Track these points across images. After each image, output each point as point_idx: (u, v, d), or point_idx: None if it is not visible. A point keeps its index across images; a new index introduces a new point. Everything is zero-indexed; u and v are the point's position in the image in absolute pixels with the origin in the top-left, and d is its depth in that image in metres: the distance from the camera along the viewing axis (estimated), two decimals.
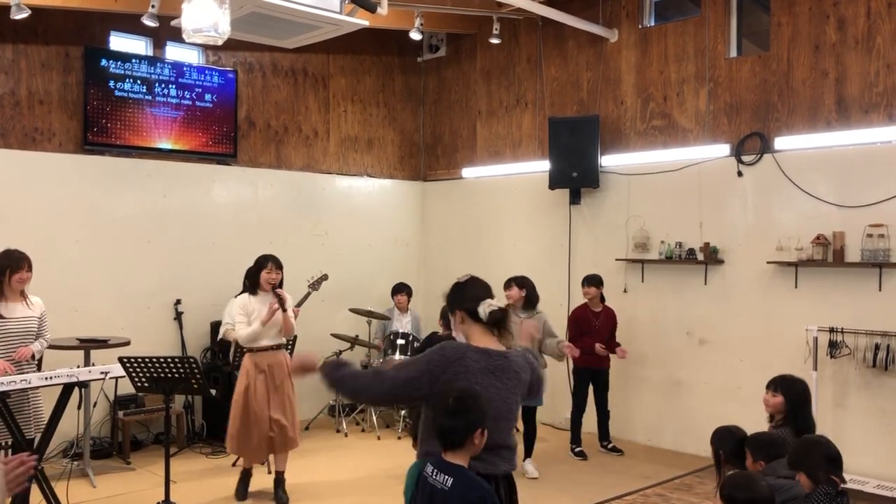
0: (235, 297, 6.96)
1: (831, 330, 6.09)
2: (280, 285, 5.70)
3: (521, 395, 3.05)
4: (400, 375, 2.96)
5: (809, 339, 6.19)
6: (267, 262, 5.68)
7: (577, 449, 6.91)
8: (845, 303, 6.13)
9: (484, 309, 3.00)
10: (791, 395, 3.86)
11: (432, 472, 2.74)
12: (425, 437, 2.93)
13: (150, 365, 4.89)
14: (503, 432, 2.95)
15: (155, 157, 7.41)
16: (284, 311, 5.62)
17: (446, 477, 2.68)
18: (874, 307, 5.98)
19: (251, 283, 5.74)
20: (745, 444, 3.58)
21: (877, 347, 5.89)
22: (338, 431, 7.77)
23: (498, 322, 3.03)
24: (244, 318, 5.60)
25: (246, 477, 5.75)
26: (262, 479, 5.92)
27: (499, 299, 3.08)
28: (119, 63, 7.11)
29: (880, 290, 5.97)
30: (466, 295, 3.11)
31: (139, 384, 5.02)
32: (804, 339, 6.24)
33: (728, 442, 3.64)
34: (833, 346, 6.07)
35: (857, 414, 6.07)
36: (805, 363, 6.16)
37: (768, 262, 6.54)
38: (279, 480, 5.72)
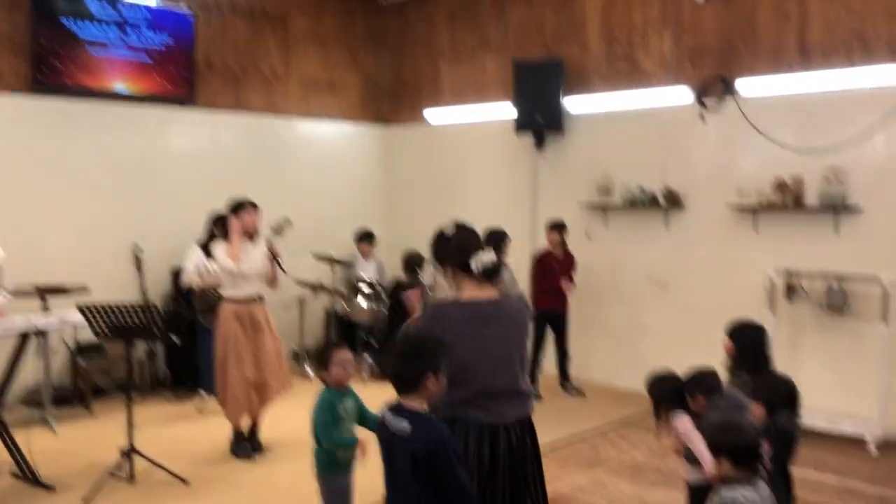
0: (200, 245, 6.87)
1: (789, 273, 6.21)
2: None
3: (522, 339, 3.03)
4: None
5: (767, 283, 6.31)
6: (245, 205, 5.47)
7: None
8: (803, 246, 6.25)
9: (476, 263, 2.96)
10: (742, 340, 3.94)
11: (391, 418, 2.75)
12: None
13: (110, 312, 4.82)
14: (504, 377, 2.94)
15: (110, 100, 7.19)
16: (284, 271, 5.53)
17: (404, 422, 2.69)
18: (830, 250, 6.10)
19: (226, 228, 5.53)
20: (683, 387, 3.68)
21: (832, 290, 6.02)
22: (303, 376, 7.79)
23: (490, 275, 2.99)
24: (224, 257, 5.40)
25: (240, 435, 5.58)
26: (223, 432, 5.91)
27: (490, 252, 3.01)
28: (70, 1, 6.84)
29: (837, 234, 6.09)
30: (456, 247, 3.04)
31: (99, 332, 4.95)
32: (762, 282, 6.36)
33: (665, 387, 3.72)
34: (790, 289, 6.20)
35: (811, 354, 6.24)
36: (763, 306, 6.29)
37: (728, 207, 6.62)
38: (254, 430, 5.65)
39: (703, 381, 3.66)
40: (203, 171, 7.78)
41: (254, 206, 5.52)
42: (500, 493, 2.89)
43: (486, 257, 2.97)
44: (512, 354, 2.98)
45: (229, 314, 5.44)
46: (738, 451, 2.75)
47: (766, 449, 3.15)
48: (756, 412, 3.24)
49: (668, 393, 3.72)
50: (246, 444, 5.55)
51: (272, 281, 5.61)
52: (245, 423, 5.60)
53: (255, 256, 5.48)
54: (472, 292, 2.99)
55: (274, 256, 5.49)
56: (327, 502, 3.71)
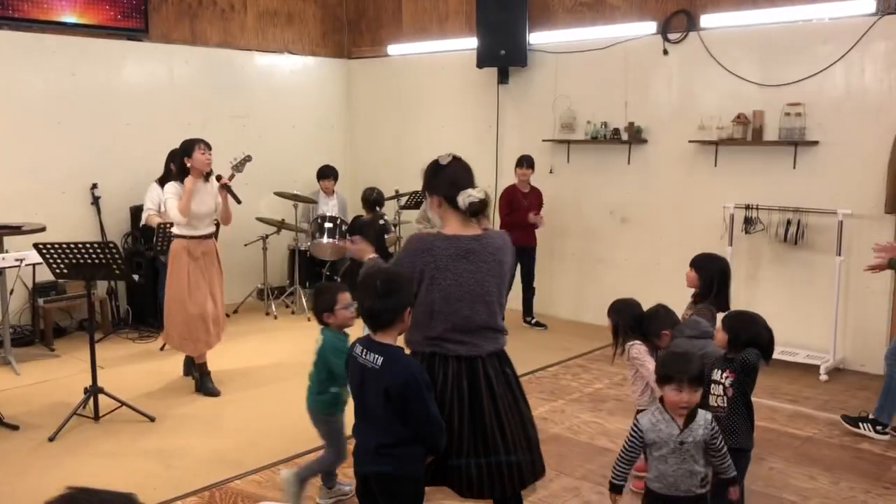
0: (159, 181, 6.75)
1: (747, 207, 6.31)
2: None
3: (502, 276, 3.05)
4: None
5: (726, 216, 6.41)
6: (196, 143, 5.35)
7: None
8: (761, 180, 6.33)
9: (463, 199, 2.94)
10: (705, 271, 4.03)
11: (362, 352, 2.78)
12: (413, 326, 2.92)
13: (68, 251, 4.74)
14: (482, 314, 2.97)
15: (59, 32, 6.94)
16: (238, 201, 5.46)
17: (376, 356, 2.72)
18: (788, 184, 6.20)
19: (179, 168, 5.42)
20: (644, 321, 3.77)
21: (788, 223, 6.14)
22: (267, 314, 7.79)
23: (476, 213, 2.99)
24: (177, 199, 5.30)
25: (204, 370, 5.60)
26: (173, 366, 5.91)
27: (479, 189, 2.99)
28: None
29: (794, 168, 6.18)
30: (447, 179, 3.01)
31: (58, 271, 4.88)
32: (721, 216, 6.46)
33: (626, 315, 3.82)
34: (748, 222, 6.30)
35: (768, 285, 6.39)
36: (721, 239, 6.40)
37: (690, 141, 6.66)
38: (203, 372, 5.62)
39: (665, 318, 3.75)
40: (159, 107, 7.59)
41: (207, 145, 5.39)
42: (487, 421, 2.95)
43: (474, 194, 2.95)
44: (491, 291, 3.01)
45: (181, 250, 5.39)
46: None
47: (728, 376, 3.26)
48: (719, 338, 3.33)
49: (628, 320, 3.81)
50: (211, 380, 5.57)
51: (225, 217, 5.54)
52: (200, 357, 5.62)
53: (207, 196, 5.40)
54: (456, 228, 3.00)
55: (227, 188, 5.41)
56: (329, 440, 3.81)
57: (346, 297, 3.67)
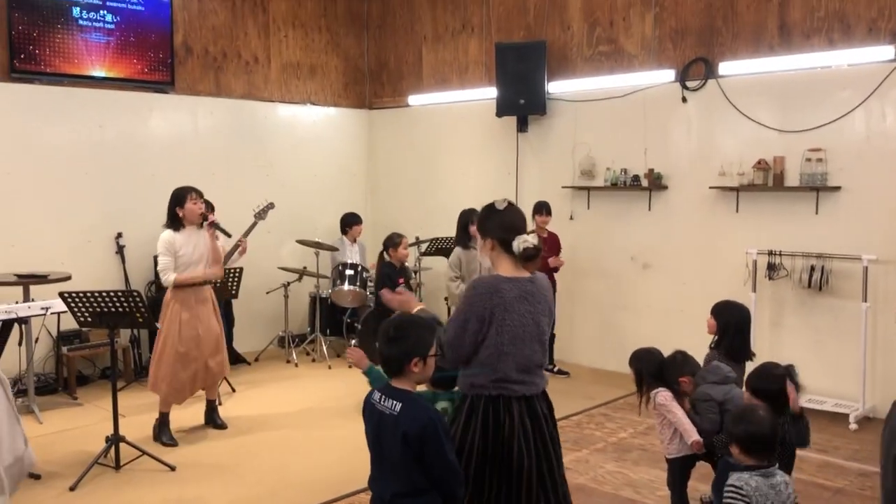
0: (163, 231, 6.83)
1: (770, 253, 6.26)
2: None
3: (552, 316, 3.15)
4: (451, 330, 2.99)
5: (749, 262, 6.36)
6: (188, 192, 5.37)
7: None
8: (784, 226, 6.29)
9: (518, 244, 3.00)
10: (723, 318, 4.02)
11: (380, 399, 2.76)
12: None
13: (92, 299, 4.79)
14: (539, 353, 3.06)
15: (88, 86, 7.12)
16: (227, 234, 5.50)
17: (394, 402, 2.70)
18: (811, 230, 6.15)
19: (171, 218, 5.40)
20: (665, 368, 3.74)
21: (812, 269, 6.08)
22: (288, 362, 7.79)
23: (529, 258, 3.04)
24: (169, 258, 5.31)
25: (167, 420, 5.57)
26: (189, 415, 5.91)
27: (533, 235, 3.07)
28: None
29: (817, 214, 6.14)
30: (503, 224, 3.07)
31: (82, 319, 4.92)
32: (744, 261, 6.41)
33: (648, 363, 3.79)
34: (771, 268, 6.25)
35: (792, 332, 6.30)
36: (744, 285, 6.34)
37: (710, 187, 6.66)
38: (212, 408, 5.75)
39: (683, 365, 3.72)
40: (184, 158, 7.72)
41: (199, 193, 5.42)
42: (552, 458, 3.05)
43: (529, 240, 3.02)
44: (545, 331, 3.10)
45: (175, 301, 5.39)
46: (749, 439, 2.82)
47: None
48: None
49: (650, 368, 3.77)
50: (170, 432, 5.53)
51: (215, 258, 5.50)
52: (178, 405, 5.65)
53: (200, 242, 5.42)
54: (511, 271, 3.05)
55: (214, 225, 5.41)
56: None
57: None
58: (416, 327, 2.79)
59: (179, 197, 5.39)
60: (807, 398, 5.96)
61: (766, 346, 6.06)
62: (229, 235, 5.58)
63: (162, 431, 5.53)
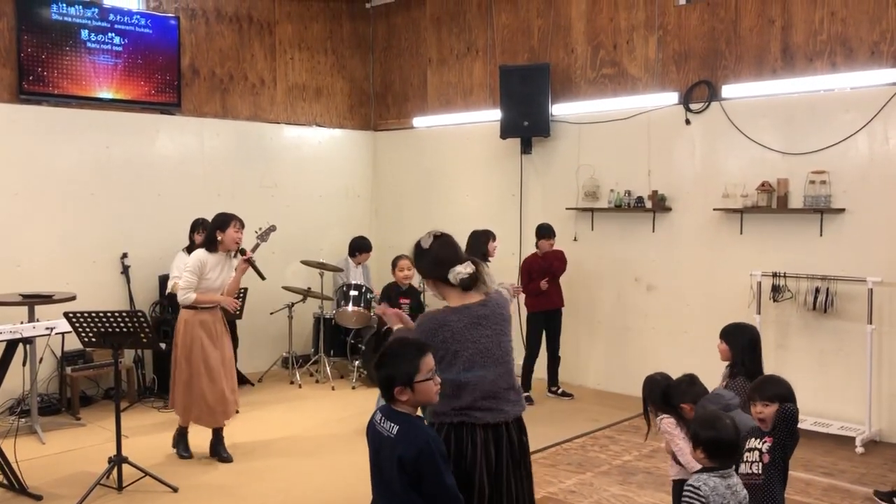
0: (184, 250, 6.87)
1: (774, 274, 6.25)
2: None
3: (509, 333, 3.11)
4: None
5: (753, 284, 6.35)
6: (232, 220, 5.41)
7: (525, 394, 7.01)
8: (788, 248, 6.29)
9: (454, 277, 3.02)
10: (736, 341, 3.98)
11: (380, 420, 2.75)
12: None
13: (97, 320, 4.80)
14: (504, 376, 3.02)
15: (96, 107, 7.18)
16: (262, 277, 5.61)
17: (392, 425, 2.69)
18: (815, 252, 6.15)
19: (209, 240, 5.45)
20: (668, 395, 3.72)
21: (817, 291, 6.07)
22: (292, 383, 7.77)
23: (468, 287, 3.05)
24: (194, 276, 5.32)
25: (185, 433, 5.59)
26: (196, 440, 5.88)
27: (467, 264, 3.06)
28: (53, 8, 6.83)
29: (821, 236, 6.14)
30: (435, 260, 3.09)
31: (86, 339, 4.93)
32: (748, 283, 6.40)
33: (653, 389, 3.77)
34: (776, 290, 6.24)
35: (797, 355, 6.28)
36: (749, 307, 6.33)
37: (714, 209, 6.66)
38: (219, 439, 5.60)
39: (688, 391, 3.70)
40: (190, 178, 7.77)
41: (242, 224, 5.47)
42: (506, 491, 2.96)
43: (463, 270, 3.02)
44: (507, 351, 3.07)
45: (195, 322, 5.38)
46: (713, 444, 2.90)
47: (765, 442, 3.19)
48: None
49: (656, 394, 3.76)
50: (186, 442, 5.59)
51: (232, 289, 5.54)
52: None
53: (228, 270, 5.48)
54: (461, 299, 3.05)
55: (251, 263, 5.47)
56: None
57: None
58: (397, 355, 2.74)
59: (223, 222, 5.42)
60: (812, 421, 5.93)
61: (771, 369, 5.98)
62: (263, 278, 5.63)
63: (179, 442, 5.57)
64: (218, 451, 5.58)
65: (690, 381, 3.77)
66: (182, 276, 5.45)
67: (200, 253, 5.42)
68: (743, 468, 3.20)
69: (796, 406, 3.21)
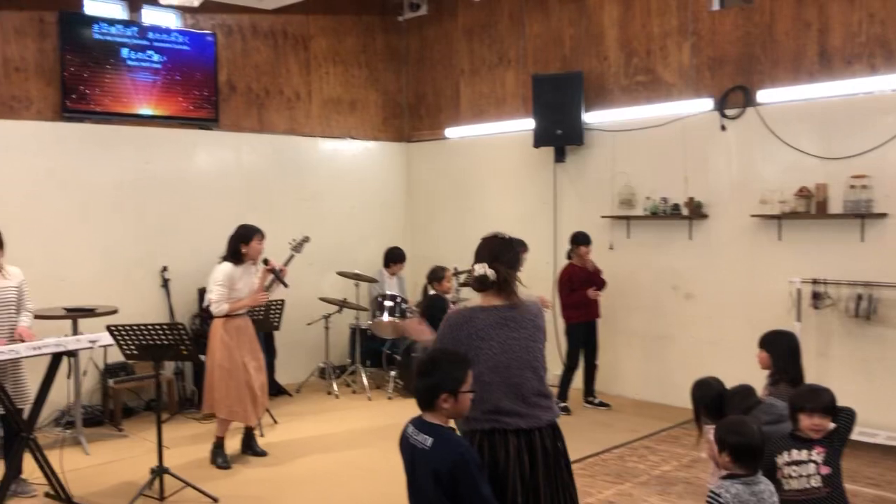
0: (219, 263, 6.96)
1: (814, 281, 6.15)
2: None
3: (543, 342, 3.11)
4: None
5: (793, 291, 6.25)
6: (255, 233, 5.67)
7: (563, 405, 6.98)
8: (828, 254, 6.19)
9: (468, 277, 3.07)
10: (776, 349, 3.91)
11: (413, 432, 2.75)
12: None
13: (138, 332, 4.89)
14: (532, 380, 3.01)
15: (135, 124, 7.33)
16: (285, 285, 5.81)
17: (426, 437, 2.69)
18: (857, 258, 6.03)
19: (233, 252, 5.68)
20: (722, 403, 3.64)
21: (859, 298, 5.95)
22: (329, 393, 7.82)
23: (483, 289, 3.06)
24: (224, 289, 5.58)
25: (222, 443, 5.72)
26: (228, 444, 5.95)
27: (481, 265, 3.06)
28: (95, 28, 6.99)
29: (863, 241, 6.02)
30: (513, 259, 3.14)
31: (128, 352, 5.02)
32: (788, 290, 6.30)
33: (703, 396, 3.68)
34: (816, 297, 6.14)
35: (840, 363, 6.16)
36: (789, 315, 6.23)
37: (752, 216, 6.58)
38: (250, 435, 5.89)
39: (741, 402, 3.61)
40: (228, 192, 7.88)
41: (262, 235, 5.72)
42: (543, 499, 2.95)
43: (477, 270, 3.05)
44: (537, 357, 3.06)
45: (224, 329, 5.62)
46: (738, 449, 2.88)
47: (820, 452, 3.13)
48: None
49: (706, 401, 3.67)
50: (224, 453, 5.71)
51: (255, 300, 5.76)
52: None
53: (251, 280, 5.71)
54: (488, 301, 3.07)
55: (274, 272, 5.70)
56: None
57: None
58: (446, 362, 2.77)
59: (246, 235, 5.68)
60: (858, 431, 5.80)
61: (812, 378, 5.85)
62: (286, 286, 5.86)
63: (217, 454, 5.69)
64: (251, 447, 5.86)
65: (746, 392, 3.66)
66: (213, 290, 5.66)
67: (227, 266, 5.66)
68: (795, 484, 3.13)
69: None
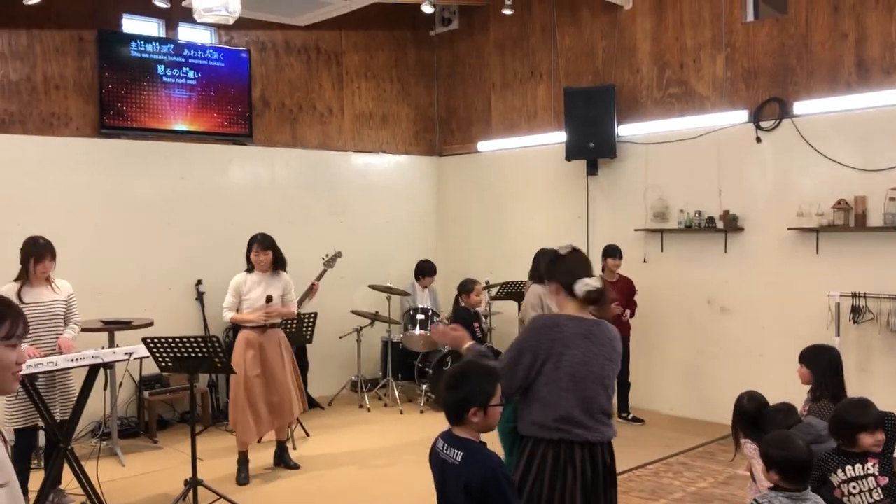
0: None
1: (854, 295, 6.04)
2: (281, 265, 5.77)
3: (617, 363, 3.13)
4: (504, 361, 3.03)
5: (831, 305, 6.14)
6: (252, 244, 5.75)
7: None
8: (867, 268, 6.07)
9: (580, 287, 3.05)
10: (818, 364, 3.83)
11: (443, 447, 2.73)
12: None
13: (173, 345, 4.94)
14: (602, 397, 3.03)
15: (171, 139, 7.44)
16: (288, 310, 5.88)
17: (456, 451, 2.67)
18: None
19: (247, 262, 5.81)
20: (760, 418, 3.58)
21: None
22: (360, 407, 7.83)
23: (593, 302, 3.09)
24: (233, 298, 5.71)
25: (243, 459, 5.74)
26: (262, 457, 5.99)
27: (596, 279, 3.11)
28: (132, 45, 7.13)
29: None
30: (565, 269, 3.16)
31: (163, 364, 5.07)
32: (826, 305, 6.19)
33: (745, 409, 3.63)
34: (856, 311, 6.02)
35: (881, 378, 6.03)
36: (827, 329, 6.12)
37: (789, 229, 6.48)
38: (283, 448, 5.91)
39: (783, 420, 3.54)
40: (261, 206, 7.96)
41: (260, 245, 5.71)
42: None
43: (591, 283, 3.06)
44: (609, 376, 3.08)
45: (242, 340, 5.69)
46: (786, 465, 2.83)
47: (874, 464, 3.08)
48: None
49: (745, 415, 3.62)
50: (246, 470, 5.69)
51: (285, 315, 5.86)
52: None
53: (272, 289, 5.72)
54: (575, 311, 3.09)
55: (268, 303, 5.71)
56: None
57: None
58: (475, 376, 2.73)
59: (248, 246, 5.78)
60: None
61: (854, 394, 5.76)
62: (299, 304, 5.98)
63: (238, 469, 5.71)
64: (284, 460, 5.88)
65: (788, 410, 3.59)
66: (227, 299, 5.79)
67: (238, 276, 5.78)
68: (858, 501, 3.07)
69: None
